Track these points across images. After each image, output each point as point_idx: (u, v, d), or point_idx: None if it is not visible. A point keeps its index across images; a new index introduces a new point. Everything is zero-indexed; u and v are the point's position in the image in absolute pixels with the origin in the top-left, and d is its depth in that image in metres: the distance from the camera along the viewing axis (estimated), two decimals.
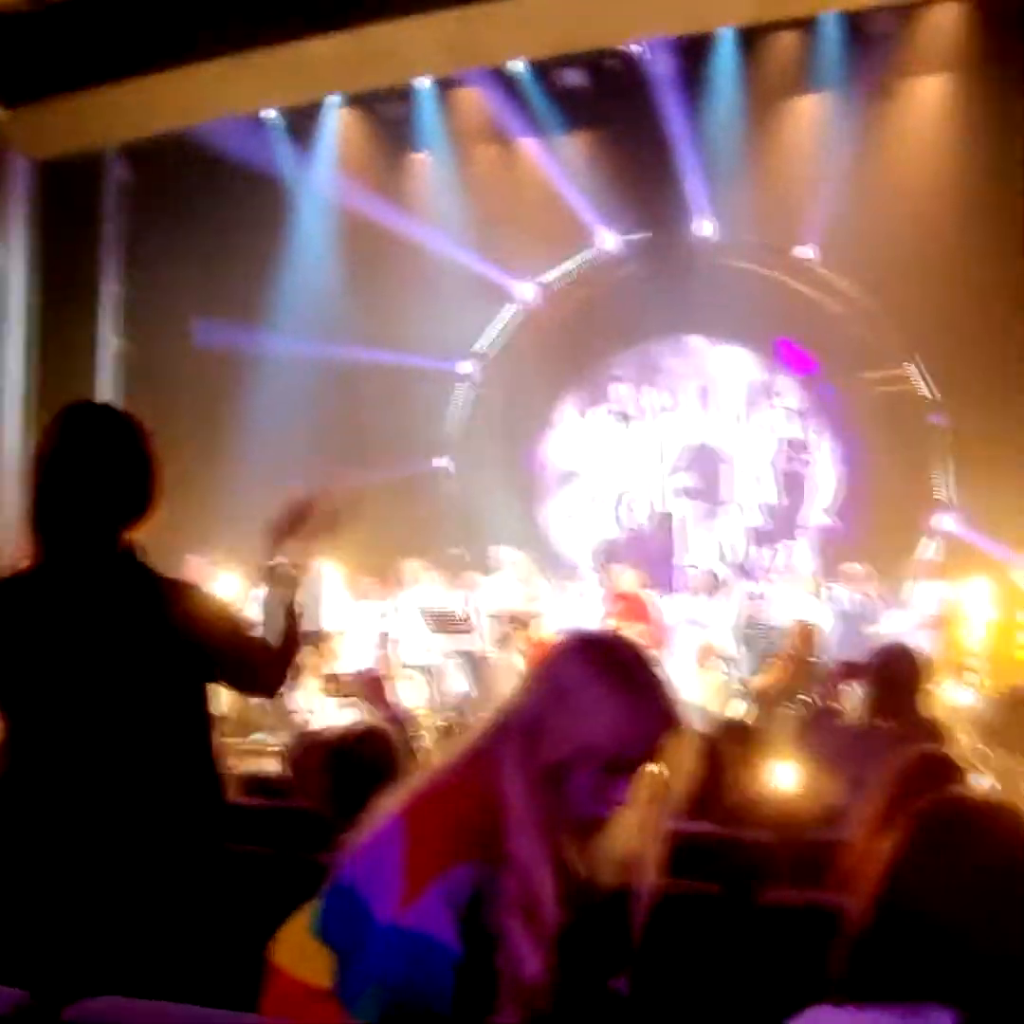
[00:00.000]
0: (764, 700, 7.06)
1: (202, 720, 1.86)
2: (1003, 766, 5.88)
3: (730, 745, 2.95)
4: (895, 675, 2.98)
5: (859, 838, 1.90)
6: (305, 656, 8.22)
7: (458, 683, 8.48)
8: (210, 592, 1.92)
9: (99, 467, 1.81)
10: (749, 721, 5.61)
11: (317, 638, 8.52)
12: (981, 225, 8.03)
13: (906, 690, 2.95)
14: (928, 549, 7.71)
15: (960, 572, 7.56)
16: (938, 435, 8.34)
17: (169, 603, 1.80)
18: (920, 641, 7.00)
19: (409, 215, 9.65)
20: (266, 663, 1.89)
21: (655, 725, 1.27)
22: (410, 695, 7.94)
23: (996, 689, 6.92)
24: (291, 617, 1.91)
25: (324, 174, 9.88)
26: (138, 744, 1.76)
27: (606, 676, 1.27)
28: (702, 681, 7.57)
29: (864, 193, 8.59)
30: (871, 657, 3.22)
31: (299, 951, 1.29)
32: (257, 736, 7.51)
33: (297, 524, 1.91)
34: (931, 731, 2.91)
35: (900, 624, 7.77)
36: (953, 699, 6.88)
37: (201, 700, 1.86)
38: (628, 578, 8.23)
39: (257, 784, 4.05)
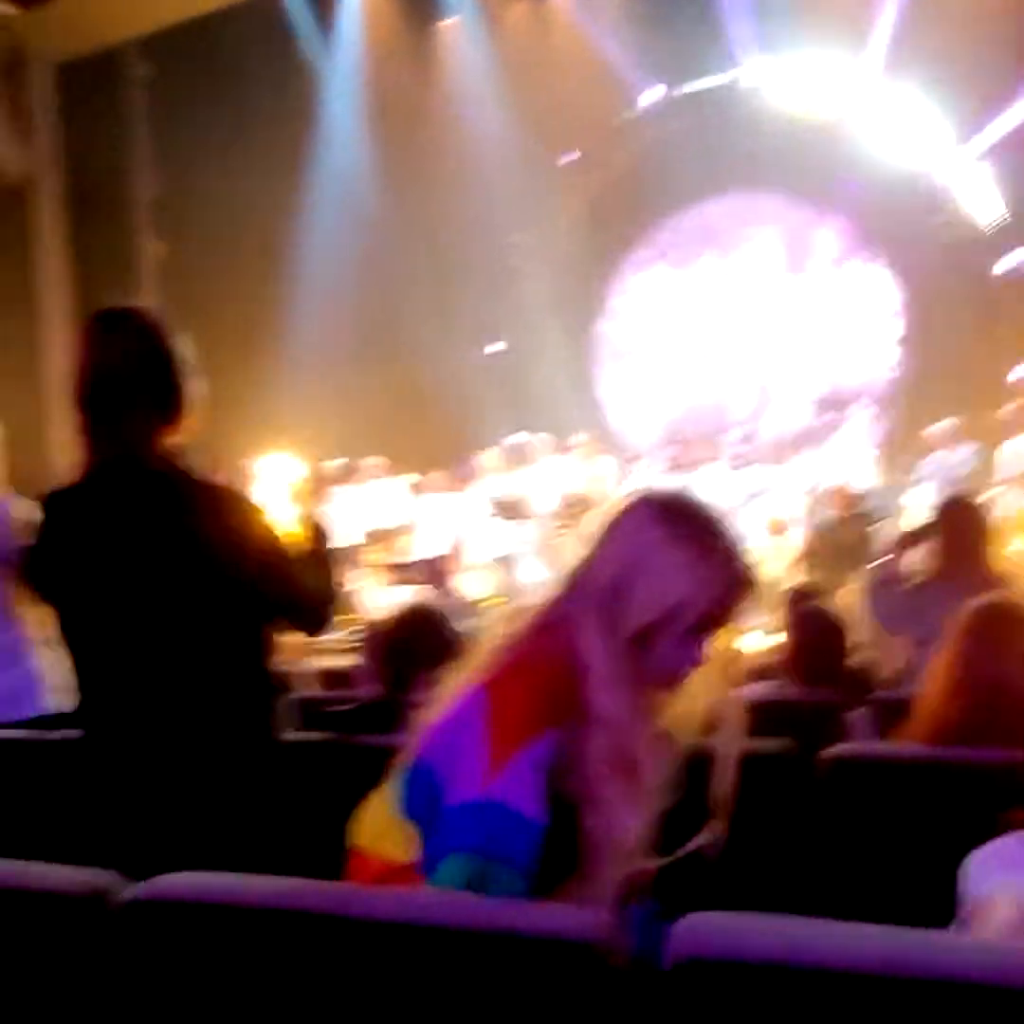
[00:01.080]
0: (809, 564, 6.96)
1: (249, 631, 1.82)
2: None
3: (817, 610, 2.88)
4: (959, 526, 2.86)
5: (932, 692, 1.85)
6: (372, 552, 8.41)
7: (532, 571, 8.50)
8: (257, 504, 1.84)
9: (123, 370, 1.78)
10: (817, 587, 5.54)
11: (383, 534, 8.63)
12: None
13: (971, 541, 2.83)
14: (1010, 403, 7.33)
15: None
16: (1010, 280, 7.86)
17: (207, 511, 1.76)
18: (1006, 500, 6.75)
19: (442, 88, 9.29)
20: (307, 593, 1.86)
21: (736, 585, 1.25)
22: (481, 584, 7.99)
23: None
24: (319, 552, 1.92)
25: (350, 54, 9.53)
26: (186, 649, 1.76)
27: (685, 537, 1.24)
28: (775, 551, 7.47)
29: (926, 20, 7.93)
30: (934, 513, 3.10)
31: (378, 831, 1.28)
32: (333, 634, 7.66)
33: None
34: (998, 584, 2.80)
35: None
36: None
37: (246, 609, 1.80)
38: None
39: (328, 677, 4.16)
